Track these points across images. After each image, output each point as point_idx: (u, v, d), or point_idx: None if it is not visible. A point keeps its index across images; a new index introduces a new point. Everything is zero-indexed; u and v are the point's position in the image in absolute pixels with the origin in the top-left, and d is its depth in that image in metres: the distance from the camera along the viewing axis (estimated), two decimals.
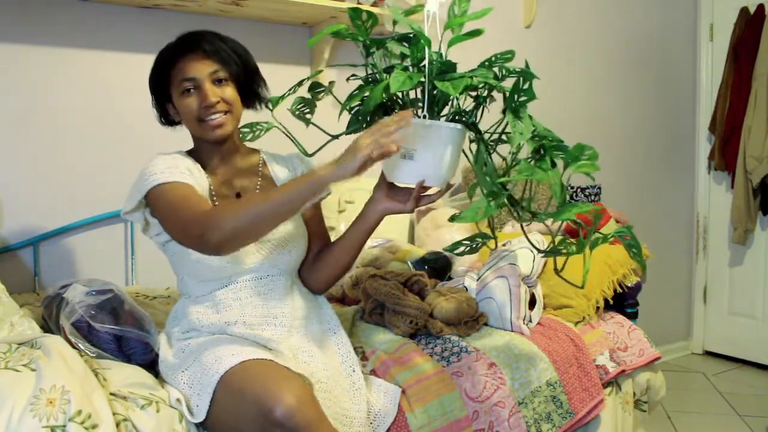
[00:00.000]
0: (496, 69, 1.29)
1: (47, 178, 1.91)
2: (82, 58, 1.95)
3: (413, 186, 1.31)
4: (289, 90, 1.44)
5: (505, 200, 1.27)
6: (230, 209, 1.22)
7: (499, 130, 1.33)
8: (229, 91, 1.39)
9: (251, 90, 1.46)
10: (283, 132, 1.44)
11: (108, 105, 2.00)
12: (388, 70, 1.28)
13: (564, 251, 1.32)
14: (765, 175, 3.21)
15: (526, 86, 1.24)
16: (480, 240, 1.39)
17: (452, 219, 1.24)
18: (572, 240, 1.32)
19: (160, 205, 1.32)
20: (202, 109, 1.37)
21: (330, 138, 1.41)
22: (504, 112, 1.27)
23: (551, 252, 1.34)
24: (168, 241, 1.40)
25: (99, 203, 1.98)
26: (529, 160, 1.26)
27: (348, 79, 1.41)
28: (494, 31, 2.64)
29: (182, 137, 1.55)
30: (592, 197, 2.99)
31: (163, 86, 1.42)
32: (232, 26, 2.11)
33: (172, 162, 1.37)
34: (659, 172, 3.51)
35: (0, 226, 1.85)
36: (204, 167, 1.44)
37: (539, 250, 1.42)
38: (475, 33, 1.24)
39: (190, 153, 1.47)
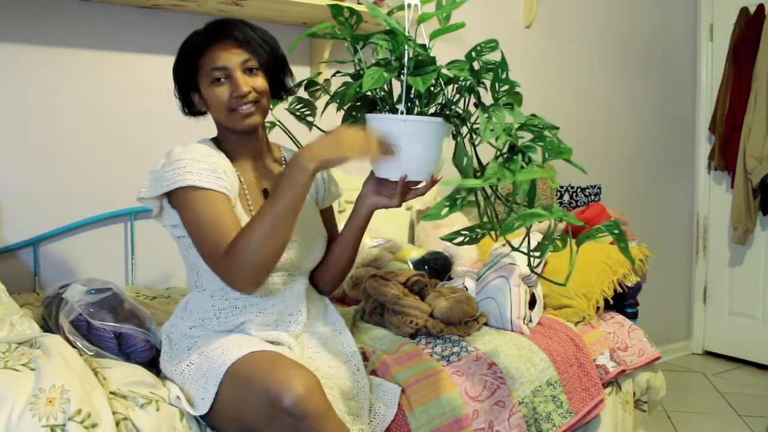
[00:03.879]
0: (476, 63, 1.28)
1: (47, 178, 1.91)
2: (82, 58, 1.95)
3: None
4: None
5: (484, 195, 1.23)
6: (244, 243, 1.21)
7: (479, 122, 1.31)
8: (260, 81, 1.37)
9: (279, 80, 1.44)
10: (283, 129, 1.47)
11: (108, 105, 2.00)
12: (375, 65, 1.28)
13: (549, 246, 1.27)
14: (765, 175, 3.20)
15: (504, 76, 1.23)
16: (480, 231, 1.31)
17: (423, 219, 1.22)
18: (557, 236, 1.28)
19: (191, 213, 1.28)
20: (234, 99, 1.34)
21: (323, 133, 1.43)
22: (476, 105, 1.24)
23: (536, 249, 1.30)
24: (184, 236, 1.35)
25: (99, 203, 1.98)
26: (497, 157, 1.21)
27: (333, 75, 1.42)
28: (494, 31, 2.63)
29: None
30: (592, 197, 2.99)
31: (190, 76, 1.38)
32: None
33: (209, 159, 1.32)
34: (659, 172, 3.51)
35: (0, 226, 1.85)
36: (230, 159, 1.40)
37: (514, 248, 1.34)
38: (456, 26, 1.22)
39: (215, 142, 1.43)
